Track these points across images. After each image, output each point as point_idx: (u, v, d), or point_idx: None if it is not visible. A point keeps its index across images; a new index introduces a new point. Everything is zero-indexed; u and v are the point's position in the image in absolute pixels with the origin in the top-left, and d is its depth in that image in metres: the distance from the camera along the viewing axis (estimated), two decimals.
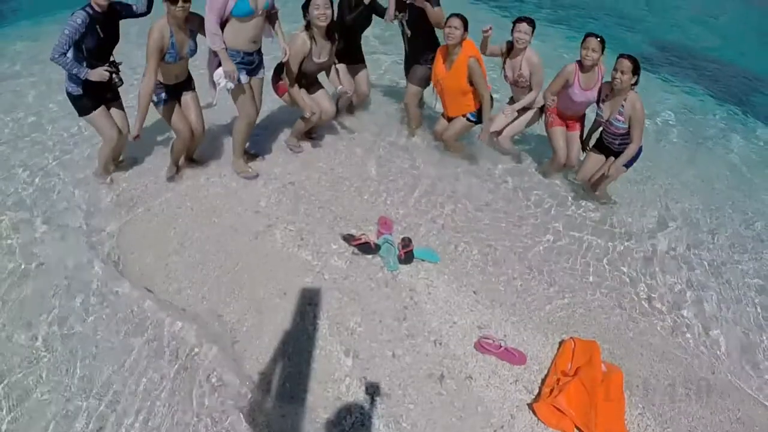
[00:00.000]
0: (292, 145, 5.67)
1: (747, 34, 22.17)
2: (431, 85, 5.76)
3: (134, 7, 4.71)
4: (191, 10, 4.43)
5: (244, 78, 4.72)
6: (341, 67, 5.78)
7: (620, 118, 4.92)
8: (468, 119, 5.56)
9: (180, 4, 4.29)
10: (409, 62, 5.92)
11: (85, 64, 4.43)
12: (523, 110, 5.71)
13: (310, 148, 5.76)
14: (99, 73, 4.45)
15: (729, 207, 6.00)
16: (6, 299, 3.93)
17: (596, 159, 5.42)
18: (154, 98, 4.68)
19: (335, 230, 4.60)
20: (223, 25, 4.51)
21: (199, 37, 4.69)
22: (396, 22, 5.69)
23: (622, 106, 4.88)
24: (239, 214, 4.78)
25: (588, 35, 5.17)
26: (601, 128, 5.33)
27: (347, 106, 6.43)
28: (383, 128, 6.34)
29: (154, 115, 5.23)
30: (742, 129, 9.09)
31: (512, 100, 5.85)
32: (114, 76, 4.57)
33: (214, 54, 4.62)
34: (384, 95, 7.33)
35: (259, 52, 4.85)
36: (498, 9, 4.89)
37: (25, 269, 4.17)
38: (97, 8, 4.33)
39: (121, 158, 5.34)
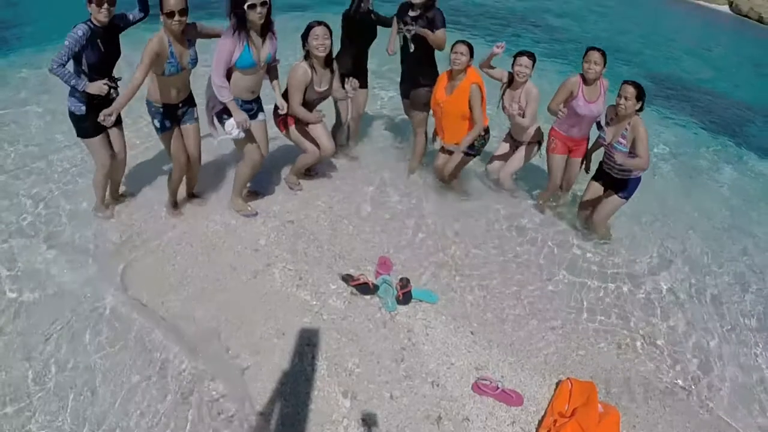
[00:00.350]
0: (292, 183, 5.72)
1: (741, 66, 22.47)
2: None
3: (130, 16, 4.67)
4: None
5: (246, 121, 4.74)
6: (343, 103, 5.91)
7: (622, 141, 4.93)
8: (468, 153, 5.58)
9: (176, 18, 4.29)
10: (409, 83, 5.87)
11: (86, 79, 4.40)
12: (521, 147, 5.79)
13: (310, 186, 5.80)
14: (98, 87, 4.38)
15: (728, 241, 6.09)
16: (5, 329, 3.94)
17: (595, 189, 5.45)
18: (156, 124, 4.70)
19: (334, 270, 4.62)
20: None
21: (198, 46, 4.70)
22: (400, 37, 5.72)
23: (626, 129, 4.91)
24: (238, 252, 4.80)
25: (590, 48, 5.23)
26: (603, 151, 5.33)
27: (345, 136, 6.48)
28: (382, 165, 6.40)
29: (154, 151, 5.30)
30: (737, 161, 9.22)
31: (509, 137, 5.93)
32: (112, 91, 4.49)
33: (213, 97, 4.68)
34: (382, 131, 7.41)
35: (257, 99, 4.92)
36: (495, 43, 4.99)
37: (25, 299, 4.19)
38: (97, 23, 4.32)
39: (121, 192, 5.36)
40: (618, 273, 5.20)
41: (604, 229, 5.57)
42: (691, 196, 7.28)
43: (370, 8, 5.82)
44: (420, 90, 5.75)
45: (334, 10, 5.04)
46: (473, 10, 19.25)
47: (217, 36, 4.71)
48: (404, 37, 5.64)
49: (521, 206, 5.98)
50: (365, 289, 4.39)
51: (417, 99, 5.82)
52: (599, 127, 5.28)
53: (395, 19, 5.73)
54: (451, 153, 5.69)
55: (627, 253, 5.52)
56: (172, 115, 4.79)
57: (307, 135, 5.37)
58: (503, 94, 5.65)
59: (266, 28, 4.59)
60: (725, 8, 56.38)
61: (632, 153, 4.88)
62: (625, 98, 4.80)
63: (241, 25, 4.39)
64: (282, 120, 5.28)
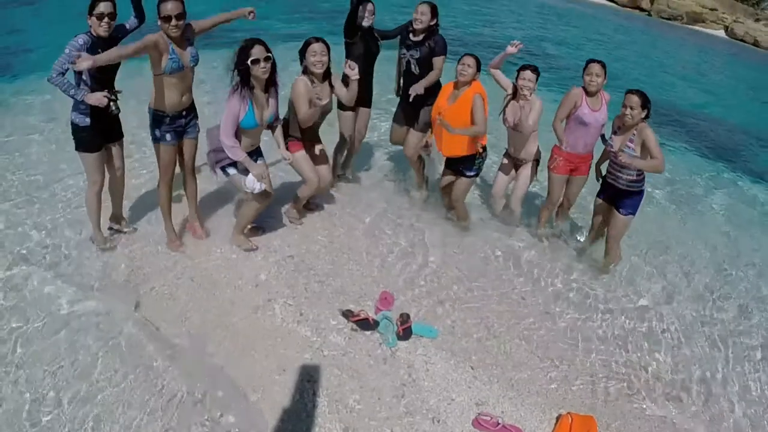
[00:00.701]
0: (293, 217, 5.75)
1: (737, 90, 22.68)
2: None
3: (127, 25, 4.71)
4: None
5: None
6: (349, 114, 5.99)
7: (631, 145, 4.95)
8: (466, 176, 5.58)
9: (173, 22, 4.33)
10: (409, 105, 5.89)
11: (86, 89, 4.39)
12: (522, 168, 5.80)
13: (310, 220, 5.84)
14: (97, 98, 4.30)
15: (727, 269, 6.15)
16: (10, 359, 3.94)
17: (602, 206, 5.48)
18: (157, 134, 4.69)
19: (334, 305, 4.64)
20: None
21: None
22: (403, 62, 5.82)
23: (633, 135, 4.94)
24: (239, 287, 4.81)
25: (590, 61, 5.30)
26: (608, 165, 5.35)
27: (345, 157, 6.51)
28: (382, 199, 6.44)
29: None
30: (732, 187, 9.33)
31: (508, 157, 5.93)
32: (112, 104, 4.45)
33: (218, 150, 4.71)
34: (382, 162, 7.48)
35: (257, 150, 4.94)
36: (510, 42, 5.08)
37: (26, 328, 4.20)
38: (98, 26, 4.34)
39: (124, 227, 5.34)
40: (619, 306, 5.23)
41: (616, 251, 5.52)
42: (688, 223, 7.35)
43: (372, 26, 5.86)
44: (425, 108, 5.81)
45: (334, 41, 5.11)
46: (471, 39, 19.48)
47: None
48: (408, 62, 5.74)
49: (520, 238, 6.03)
50: (365, 324, 4.41)
51: (423, 117, 5.88)
52: (604, 140, 5.33)
53: (398, 54, 5.84)
54: (453, 173, 5.70)
55: (627, 285, 5.56)
56: (176, 126, 4.79)
57: (309, 163, 5.37)
58: (506, 105, 5.63)
59: (270, 85, 4.64)
60: (721, 33, 57.03)
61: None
62: (631, 108, 4.85)
63: (244, 82, 4.45)
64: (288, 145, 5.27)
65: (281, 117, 5.05)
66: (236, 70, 4.45)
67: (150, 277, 4.84)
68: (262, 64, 4.41)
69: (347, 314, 4.50)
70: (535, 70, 5.44)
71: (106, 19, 4.32)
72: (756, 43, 51.81)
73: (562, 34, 27.53)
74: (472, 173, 5.58)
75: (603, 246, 5.60)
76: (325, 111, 5.31)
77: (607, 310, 5.13)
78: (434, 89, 5.68)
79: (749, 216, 8.17)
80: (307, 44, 5.05)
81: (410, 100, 5.67)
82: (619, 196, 5.21)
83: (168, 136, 4.73)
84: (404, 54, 5.78)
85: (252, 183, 4.63)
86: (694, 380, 4.51)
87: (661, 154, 4.83)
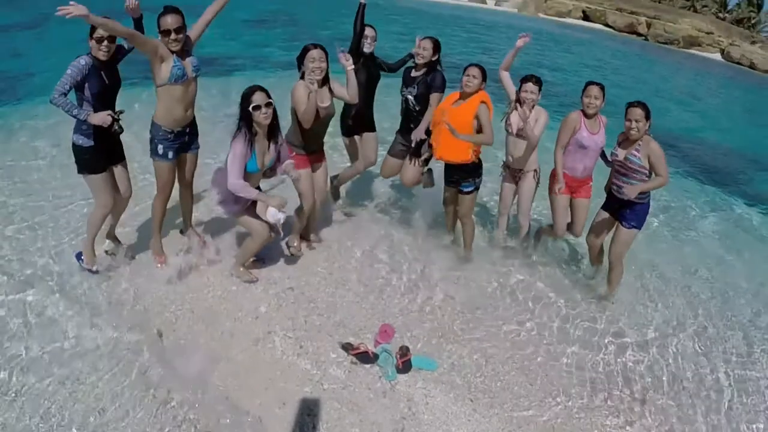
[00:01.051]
0: (292, 245, 5.73)
1: (732, 112, 22.84)
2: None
3: (126, 45, 4.74)
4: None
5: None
6: (354, 139, 6.09)
7: (637, 154, 4.97)
8: (466, 191, 5.59)
9: (172, 36, 4.42)
10: (408, 140, 5.96)
11: (89, 109, 4.42)
12: (523, 179, 5.82)
13: (310, 252, 5.86)
14: (101, 118, 4.36)
15: (728, 297, 6.16)
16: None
17: (605, 218, 5.47)
18: (160, 150, 4.77)
19: (334, 338, 4.64)
20: None
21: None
22: (403, 98, 5.88)
23: (638, 145, 4.97)
24: (239, 319, 4.81)
25: (589, 84, 5.33)
26: (612, 176, 5.36)
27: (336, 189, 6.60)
28: (382, 230, 6.46)
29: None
30: (730, 212, 9.36)
31: (507, 170, 5.95)
32: (115, 123, 4.49)
33: (224, 195, 4.77)
34: (382, 191, 7.51)
35: (258, 187, 4.99)
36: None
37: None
38: (98, 49, 4.40)
39: (116, 248, 5.34)
40: (621, 339, 5.19)
41: (620, 268, 5.50)
42: (685, 249, 7.37)
43: (373, 52, 5.97)
44: (425, 146, 5.87)
45: (334, 68, 5.18)
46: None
47: (208, 24, 4.87)
48: (406, 99, 5.81)
49: (521, 269, 6.02)
50: (365, 358, 4.41)
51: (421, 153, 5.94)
52: (605, 159, 5.39)
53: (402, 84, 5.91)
54: (452, 191, 5.73)
55: (628, 318, 5.52)
56: (180, 143, 4.86)
57: (311, 183, 5.39)
58: (510, 112, 5.65)
59: (272, 131, 4.71)
60: (717, 56, 57.60)
61: (642, 173, 4.99)
62: (636, 121, 4.87)
63: (248, 127, 4.54)
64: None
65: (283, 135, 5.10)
66: (241, 116, 4.54)
67: (150, 307, 4.85)
68: (263, 110, 4.50)
69: (347, 347, 4.50)
70: (537, 81, 5.49)
71: (105, 42, 4.39)
72: (752, 66, 52.34)
73: (559, 61, 27.82)
74: (470, 189, 5.59)
75: (603, 272, 5.64)
76: (327, 114, 5.31)
77: (609, 343, 5.10)
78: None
79: (745, 241, 8.20)
80: (305, 50, 5.07)
81: (413, 144, 5.79)
82: (624, 207, 5.22)
83: (170, 154, 4.81)
84: (404, 91, 5.86)
85: (275, 214, 4.67)
86: (699, 414, 4.48)
87: (666, 170, 4.92)
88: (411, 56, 6.05)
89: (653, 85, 26.00)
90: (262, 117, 4.52)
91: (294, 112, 5.12)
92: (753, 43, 57.98)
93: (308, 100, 4.90)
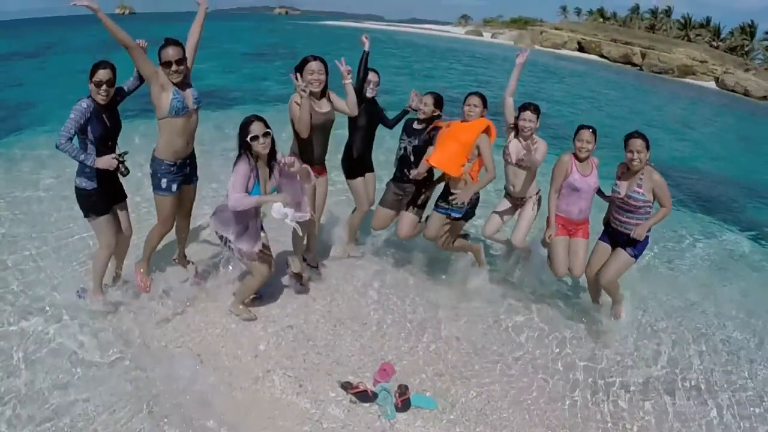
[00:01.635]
0: (294, 266, 5.77)
1: (725, 140, 23.01)
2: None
3: (126, 87, 4.82)
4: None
5: (258, 245, 4.86)
6: (358, 182, 6.14)
7: (639, 190, 5.01)
8: (454, 218, 5.63)
9: (173, 68, 4.50)
10: (402, 189, 6.07)
11: (94, 153, 4.49)
12: (524, 205, 5.90)
13: (309, 289, 5.86)
14: (107, 161, 4.43)
15: (732, 330, 6.14)
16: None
17: (604, 249, 5.49)
18: (163, 184, 4.82)
19: (333, 377, 4.63)
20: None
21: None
22: (401, 147, 5.95)
23: (640, 179, 5.00)
24: (238, 357, 4.81)
25: (581, 128, 5.35)
26: (613, 211, 5.38)
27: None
28: (381, 268, 6.46)
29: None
30: (723, 241, 9.39)
31: (507, 198, 6.00)
32: (121, 165, 4.55)
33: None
34: (378, 231, 7.46)
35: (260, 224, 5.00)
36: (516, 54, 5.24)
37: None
38: (98, 93, 4.48)
39: (128, 290, 5.35)
40: (625, 378, 5.12)
41: (615, 288, 5.50)
42: (680, 281, 7.38)
43: (375, 96, 6.07)
44: (420, 193, 5.99)
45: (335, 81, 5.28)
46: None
47: (198, 42, 5.00)
48: (405, 148, 5.90)
49: (520, 305, 6.01)
50: (364, 396, 4.39)
51: (415, 201, 6.02)
52: (603, 196, 5.46)
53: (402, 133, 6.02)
54: (443, 212, 5.72)
55: (633, 355, 5.47)
56: (182, 175, 4.92)
57: (310, 198, 5.40)
58: (509, 142, 5.72)
59: (271, 160, 4.74)
60: (712, 84, 58.26)
61: (646, 207, 5.05)
62: (637, 152, 4.93)
63: (249, 154, 4.58)
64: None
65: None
66: (242, 147, 4.58)
67: (151, 342, 4.87)
68: (261, 140, 4.53)
69: (346, 386, 4.48)
70: (535, 109, 5.56)
71: (104, 87, 4.47)
72: (746, 93, 52.93)
73: (556, 93, 28.09)
74: (457, 215, 5.63)
75: (604, 306, 5.67)
76: (327, 120, 5.37)
77: (613, 383, 5.03)
78: (429, 175, 5.91)
79: (741, 270, 8.22)
80: (304, 62, 5.14)
81: (410, 177, 5.83)
82: (627, 241, 5.26)
83: (174, 187, 4.87)
84: (403, 139, 5.95)
85: (280, 210, 4.54)
86: None
87: (670, 199, 5.03)
88: (406, 112, 6.25)
89: (648, 114, 26.26)
90: (260, 147, 4.54)
91: (293, 124, 5.22)
92: (747, 70, 58.75)
93: (300, 109, 5.01)
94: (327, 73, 5.22)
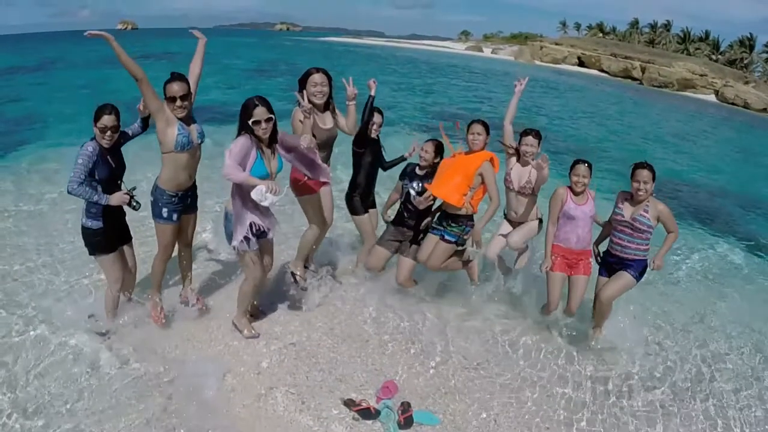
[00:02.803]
0: (295, 270, 5.80)
1: (725, 152, 23.06)
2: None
3: (130, 132, 4.87)
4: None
5: (253, 245, 4.83)
6: (364, 218, 6.17)
7: (645, 215, 5.07)
8: (447, 241, 5.63)
9: (178, 103, 4.53)
10: (400, 232, 6.12)
11: (104, 193, 4.56)
12: (523, 224, 5.93)
13: (311, 307, 5.86)
14: (119, 198, 4.54)
15: (734, 350, 6.12)
16: None
17: (602, 281, 5.53)
18: (164, 213, 4.84)
19: (336, 394, 4.63)
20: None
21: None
22: (403, 191, 6.01)
23: (647, 206, 5.07)
24: (241, 374, 4.81)
25: (576, 162, 5.39)
26: (613, 236, 5.40)
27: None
28: (383, 286, 6.39)
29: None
30: (721, 254, 9.38)
31: (508, 220, 6.05)
32: (132, 200, 4.64)
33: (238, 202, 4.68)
34: None
35: (268, 210, 4.92)
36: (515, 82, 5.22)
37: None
38: (102, 138, 4.54)
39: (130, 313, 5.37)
40: (627, 390, 5.13)
41: (609, 309, 5.52)
42: (682, 296, 7.41)
43: (378, 137, 6.15)
44: (420, 234, 6.03)
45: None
46: (468, 116, 20.00)
47: (199, 76, 5.04)
48: (408, 192, 5.95)
49: (522, 322, 5.99)
50: (367, 414, 4.39)
51: (413, 244, 6.06)
52: (602, 224, 5.58)
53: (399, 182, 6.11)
54: (438, 234, 5.71)
55: (639, 372, 5.44)
56: (182, 205, 4.95)
57: (318, 209, 5.49)
58: (509, 167, 5.80)
59: (272, 142, 4.70)
60: (711, 97, 58.48)
61: (649, 232, 5.13)
62: (644, 182, 4.99)
63: (253, 136, 4.54)
64: (302, 186, 5.36)
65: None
66: (239, 128, 4.56)
67: (155, 361, 4.88)
68: (264, 125, 4.49)
69: (349, 403, 4.48)
70: (537, 135, 5.66)
71: (108, 132, 4.53)
72: (746, 106, 53.15)
73: (556, 108, 28.20)
74: (452, 239, 5.63)
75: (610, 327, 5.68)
76: (330, 137, 5.41)
77: (616, 405, 4.98)
78: (426, 212, 5.97)
79: (740, 284, 8.24)
80: (308, 74, 5.18)
81: (411, 209, 5.92)
82: (626, 264, 5.31)
83: (174, 216, 4.91)
84: (406, 184, 6.01)
85: (260, 193, 4.32)
86: None
87: (676, 224, 5.15)
88: (404, 158, 6.42)
89: (648, 128, 26.35)
90: (261, 132, 4.51)
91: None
92: (746, 83, 58.98)
93: (303, 126, 5.04)
94: (331, 86, 5.26)
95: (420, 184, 5.85)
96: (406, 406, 4.47)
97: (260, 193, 4.33)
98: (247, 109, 4.52)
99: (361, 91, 5.53)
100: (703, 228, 10.93)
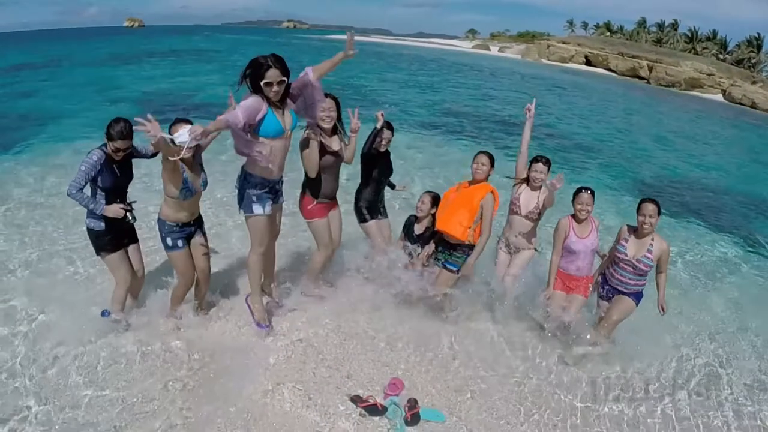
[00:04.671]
0: (309, 292, 5.85)
1: (732, 152, 22.97)
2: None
3: (142, 150, 4.99)
4: None
5: (268, 209, 4.86)
6: (371, 224, 6.19)
7: (649, 255, 5.16)
8: (450, 270, 5.70)
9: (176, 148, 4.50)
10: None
11: (102, 200, 4.69)
12: (519, 253, 5.96)
13: (318, 304, 5.88)
14: (114, 210, 4.68)
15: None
16: None
17: (604, 306, 5.61)
18: (169, 242, 4.89)
19: (343, 390, 4.65)
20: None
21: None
22: (406, 252, 6.08)
23: (651, 245, 5.14)
24: (249, 370, 4.84)
25: (579, 190, 5.47)
26: (613, 270, 5.47)
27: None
28: (390, 284, 6.26)
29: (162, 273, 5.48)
30: (745, 259, 9.34)
31: (505, 249, 6.07)
32: (128, 214, 4.79)
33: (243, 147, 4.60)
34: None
35: (281, 180, 5.01)
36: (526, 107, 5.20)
37: None
38: (113, 155, 4.64)
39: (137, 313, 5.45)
40: (630, 394, 5.12)
41: (610, 333, 5.53)
42: (705, 301, 7.40)
43: (387, 150, 6.18)
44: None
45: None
46: (472, 112, 19.95)
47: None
48: (410, 254, 6.04)
49: (528, 324, 5.98)
50: (374, 410, 4.41)
51: None
52: (602, 256, 5.66)
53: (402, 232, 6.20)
54: (439, 263, 5.79)
55: (646, 372, 5.47)
56: (185, 233, 5.00)
57: (327, 231, 5.55)
58: (517, 192, 5.85)
59: (284, 101, 4.65)
60: (719, 97, 58.23)
61: (647, 271, 5.23)
62: (649, 216, 5.07)
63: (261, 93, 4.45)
64: (311, 210, 5.46)
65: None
66: (246, 80, 4.45)
67: (156, 362, 4.93)
68: (275, 87, 4.41)
69: (356, 400, 4.51)
70: (546, 162, 5.73)
71: (121, 153, 4.68)
72: (753, 105, 52.91)
73: (563, 106, 28.12)
74: (454, 268, 5.70)
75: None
76: (337, 161, 5.45)
77: (620, 400, 5.03)
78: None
79: (745, 283, 8.23)
80: None
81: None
82: (624, 293, 5.43)
83: (180, 243, 4.98)
84: (407, 246, 6.12)
85: (181, 134, 3.99)
86: None
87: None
88: (393, 187, 6.56)
89: (654, 127, 26.23)
90: (272, 94, 4.43)
91: (302, 160, 5.30)
92: (754, 83, 58.69)
93: (309, 149, 5.09)
94: (339, 111, 5.33)
95: (418, 245, 6.00)
96: (412, 403, 4.49)
97: (180, 135, 4.06)
98: (259, 69, 4.38)
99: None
100: (708, 226, 10.93)
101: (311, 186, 5.43)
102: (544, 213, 5.82)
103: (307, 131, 5.19)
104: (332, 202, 5.66)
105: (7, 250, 7.02)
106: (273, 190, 4.90)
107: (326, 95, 5.16)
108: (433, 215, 5.89)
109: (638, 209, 5.19)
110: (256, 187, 4.76)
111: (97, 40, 68.92)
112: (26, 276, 6.40)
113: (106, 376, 4.71)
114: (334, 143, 5.36)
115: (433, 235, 5.92)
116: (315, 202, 5.44)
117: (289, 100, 4.73)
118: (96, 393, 4.53)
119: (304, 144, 5.21)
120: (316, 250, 5.76)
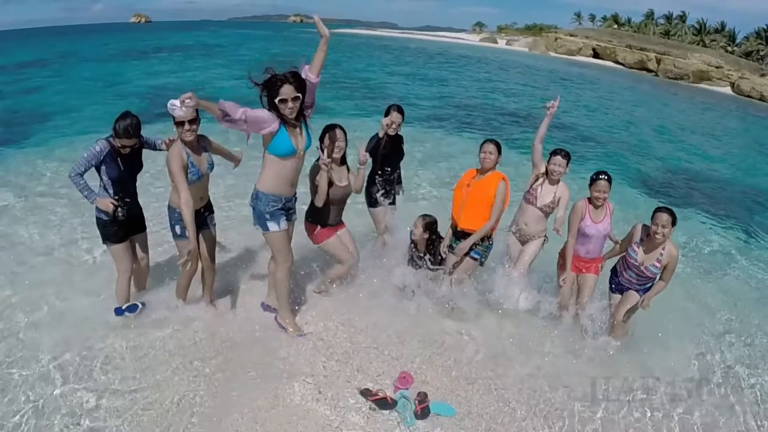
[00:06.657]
0: (322, 289, 5.93)
1: (741, 144, 22.83)
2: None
3: (152, 143, 5.10)
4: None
5: (283, 224, 4.91)
6: (379, 210, 6.30)
7: (657, 264, 5.16)
8: (472, 257, 5.71)
9: (186, 126, 4.55)
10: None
11: (106, 190, 4.81)
12: (529, 242, 5.98)
13: (328, 298, 5.91)
14: (105, 204, 4.79)
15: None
16: None
17: (615, 299, 5.64)
18: (178, 231, 4.89)
19: (353, 384, 4.66)
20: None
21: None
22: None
23: (661, 254, 5.13)
24: (261, 362, 4.86)
25: (597, 177, 5.46)
26: (624, 270, 5.48)
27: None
28: (399, 278, 6.25)
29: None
30: (748, 252, 9.29)
31: (515, 242, 6.09)
32: (119, 209, 4.86)
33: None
34: (399, 242, 7.43)
35: (295, 196, 5.02)
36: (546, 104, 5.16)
37: None
38: (120, 149, 4.70)
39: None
40: (637, 392, 5.10)
41: (623, 330, 5.55)
42: (712, 292, 7.40)
43: (399, 133, 6.28)
44: None
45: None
46: (481, 104, 19.90)
47: (225, 155, 5.19)
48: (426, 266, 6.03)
49: (538, 317, 5.96)
50: (384, 403, 4.42)
51: None
52: (614, 240, 5.65)
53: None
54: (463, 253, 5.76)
55: (656, 367, 5.45)
56: (195, 222, 4.97)
57: (343, 245, 5.61)
58: (535, 184, 5.88)
59: (299, 119, 4.66)
60: (727, 89, 57.79)
61: (653, 278, 5.23)
62: (663, 226, 5.01)
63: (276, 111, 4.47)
64: (317, 235, 5.51)
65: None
66: (262, 99, 4.51)
67: (168, 356, 4.96)
68: (290, 104, 4.42)
69: (365, 393, 4.52)
70: (566, 155, 5.73)
71: (128, 149, 4.78)
72: (762, 98, 52.48)
73: (571, 98, 27.96)
74: (477, 256, 5.72)
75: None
76: (345, 194, 5.52)
77: (636, 397, 5.01)
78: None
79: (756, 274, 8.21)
80: (326, 131, 5.27)
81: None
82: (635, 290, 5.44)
83: (188, 232, 4.93)
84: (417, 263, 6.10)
85: (172, 103, 4.35)
86: None
87: (671, 277, 5.24)
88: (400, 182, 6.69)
89: (662, 120, 26.09)
90: (287, 111, 4.44)
91: (311, 188, 5.39)
92: (762, 75, 58.16)
93: (319, 180, 5.19)
94: (347, 141, 5.36)
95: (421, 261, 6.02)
96: (422, 397, 4.50)
97: (171, 103, 4.38)
98: (273, 85, 4.40)
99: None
100: (710, 216, 10.94)
101: (317, 214, 5.46)
102: (560, 209, 5.80)
103: (318, 161, 5.24)
104: (337, 225, 5.70)
105: (25, 240, 7.30)
106: (285, 207, 4.91)
107: (335, 126, 5.25)
108: (427, 240, 5.90)
109: (652, 217, 5.11)
110: (269, 204, 4.79)
111: (103, 36, 69.10)
112: (45, 263, 6.60)
113: (127, 365, 4.81)
114: (343, 178, 5.43)
115: (434, 254, 5.94)
116: (319, 228, 5.49)
117: (306, 128, 4.78)
118: (113, 378, 4.65)
119: (315, 172, 5.29)
120: (337, 263, 5.77)
